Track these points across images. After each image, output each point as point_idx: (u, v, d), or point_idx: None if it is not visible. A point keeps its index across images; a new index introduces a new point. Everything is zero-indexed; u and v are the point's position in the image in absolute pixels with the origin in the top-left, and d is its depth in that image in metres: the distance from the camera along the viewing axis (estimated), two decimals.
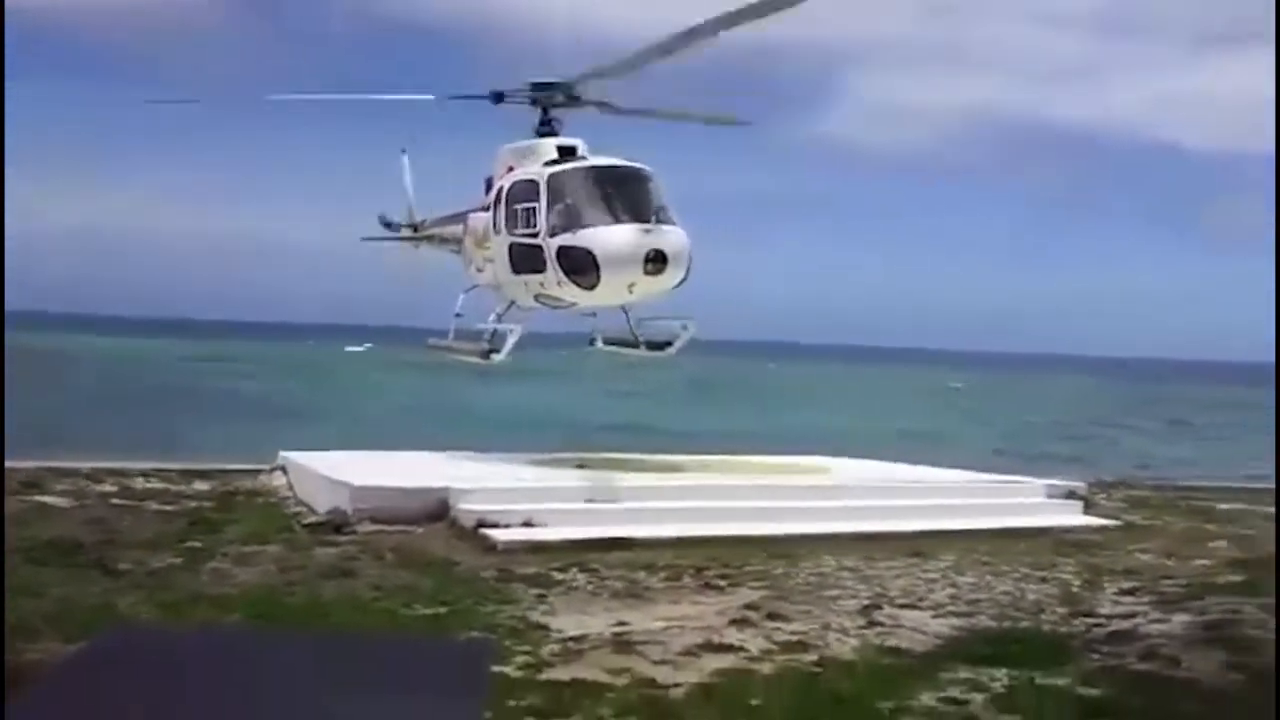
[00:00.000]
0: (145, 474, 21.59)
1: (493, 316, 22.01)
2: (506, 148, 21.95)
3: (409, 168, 26.39)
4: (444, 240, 24.66)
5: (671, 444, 27.77)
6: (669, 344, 22.17)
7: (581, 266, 19.57)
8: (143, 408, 46.24)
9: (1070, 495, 21.74)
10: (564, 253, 19.69)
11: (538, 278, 20.40)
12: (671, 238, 19.57)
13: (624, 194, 19.86)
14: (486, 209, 21.74)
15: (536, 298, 21.04)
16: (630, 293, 20.07)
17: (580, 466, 21.22)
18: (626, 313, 21.99)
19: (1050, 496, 21.57)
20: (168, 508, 18.74)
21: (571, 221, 19.74)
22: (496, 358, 21.37)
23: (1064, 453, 43.47)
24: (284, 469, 21.76)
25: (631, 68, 19.86)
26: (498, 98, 21.71)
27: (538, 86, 21.53)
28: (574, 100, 21.44)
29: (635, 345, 22.58)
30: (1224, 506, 23.77)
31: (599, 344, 23.03)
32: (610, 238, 19.35)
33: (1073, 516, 20.79)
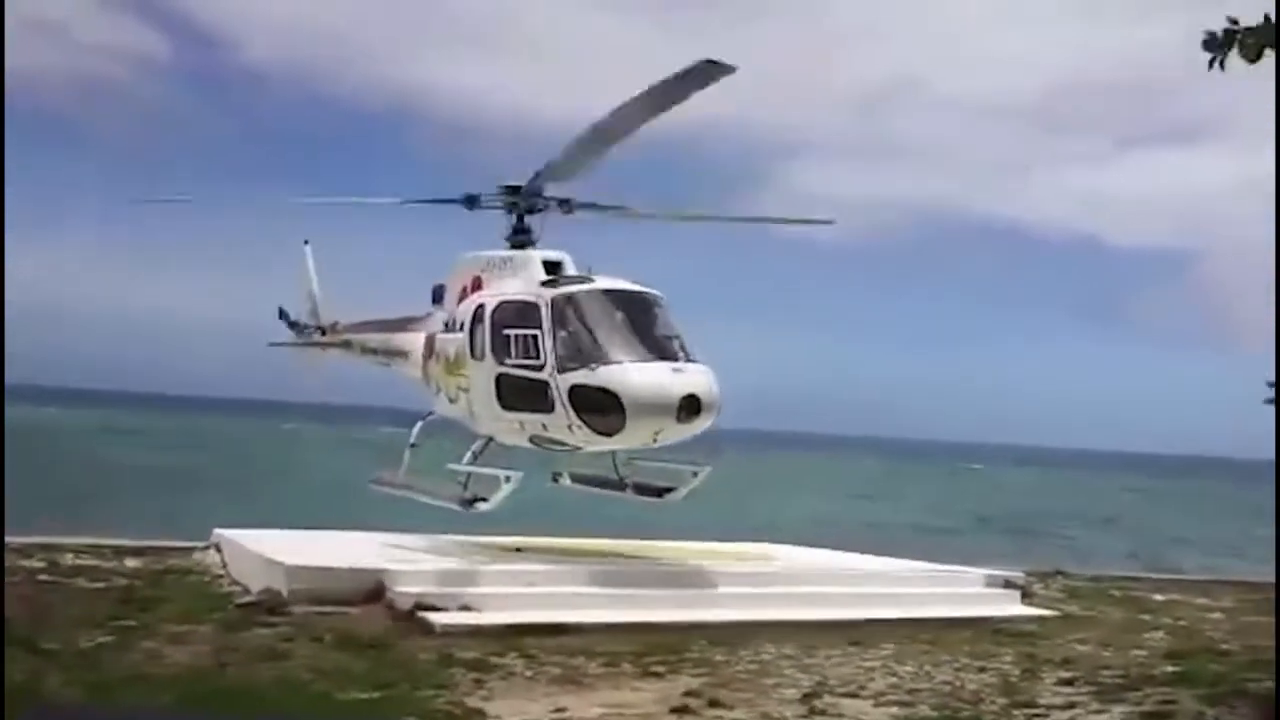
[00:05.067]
0: (76, 550, 21.15)
1: (468, 456, 19.31)
2: (471, 256, 19.80)
3: (313, 261, 24.33)
4: (371, 351, 22.24)
5: (601, 529, 26.78)
6: (670, 489, 19.90)
7: (602, 410, 17.20)
8: (66, 480, 45.30)
9: (1008, 585, 21.80)
10: (579, 393, 17.27)
11: (539, 418, 17.91)
12: (703, 380, 17.50)
13: (644, 325, 17.76)
14: (450, 327, 19.53)
15: (533, 439, 18.65)
16: (654, 441, 17.81)
17: (517, 551, 20.96)
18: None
19: (989, 586, 21.64)
20: (98, 585, 18.35)
21: (588, 356, 17.38)
22: (484, 507, 18.51)
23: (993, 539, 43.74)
24: (218, 547, 21.39)
25: (583, 160, 17.89)
26: (471, 202, 19.65)
27: (509, 190, 19.49)
28: (547, 203, 19.35)
29: (620, 488, 20.23)
30: (1159, 598, 23.95)
31: (564, 481, 20.78)
32: (639, 379, 17.12)
33: (1011, 606, 20.87)
